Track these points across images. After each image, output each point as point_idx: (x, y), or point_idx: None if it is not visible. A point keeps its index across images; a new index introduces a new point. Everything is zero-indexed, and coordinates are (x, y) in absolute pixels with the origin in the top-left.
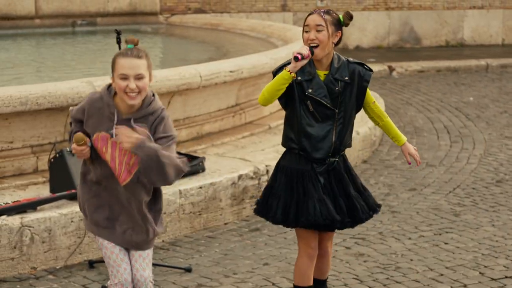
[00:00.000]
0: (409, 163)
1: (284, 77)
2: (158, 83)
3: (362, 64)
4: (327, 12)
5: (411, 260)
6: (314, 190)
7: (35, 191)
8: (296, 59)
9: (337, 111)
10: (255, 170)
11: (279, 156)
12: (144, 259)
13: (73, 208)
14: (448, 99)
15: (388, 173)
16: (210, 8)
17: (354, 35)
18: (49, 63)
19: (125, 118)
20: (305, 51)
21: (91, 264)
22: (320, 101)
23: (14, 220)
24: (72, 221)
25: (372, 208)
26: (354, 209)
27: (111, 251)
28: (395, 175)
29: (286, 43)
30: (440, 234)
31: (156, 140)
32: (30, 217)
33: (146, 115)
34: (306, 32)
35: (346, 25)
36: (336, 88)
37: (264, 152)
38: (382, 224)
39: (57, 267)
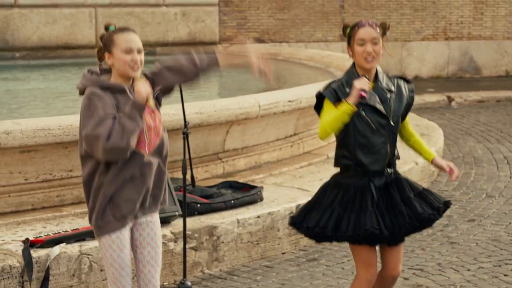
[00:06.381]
0: (450, 172)
1: (347, 112)
2: (217, 112)
3: (401, 77)
4: (377, 24)
5: None
6: (371, 204)
7: None
8: (362, 98)
9: (391, 119)
10: None
11: None
12: None
13: None
14: (508, 130)
15: None
16: (269, 38)
17: (412, 65)
18: None
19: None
20: (366, 86)
21: None
22: (374, 107)
23: (73, 248)
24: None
25: (436, 208)
26: (417, 212)
27: None
28: (454, 206)
29: None
30: (499, 266)
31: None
32: (88, 245)
33: None
34: (361, 45)
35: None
36: (388, 96)
37: (322, 181)
38: (441, 255)
39: None
